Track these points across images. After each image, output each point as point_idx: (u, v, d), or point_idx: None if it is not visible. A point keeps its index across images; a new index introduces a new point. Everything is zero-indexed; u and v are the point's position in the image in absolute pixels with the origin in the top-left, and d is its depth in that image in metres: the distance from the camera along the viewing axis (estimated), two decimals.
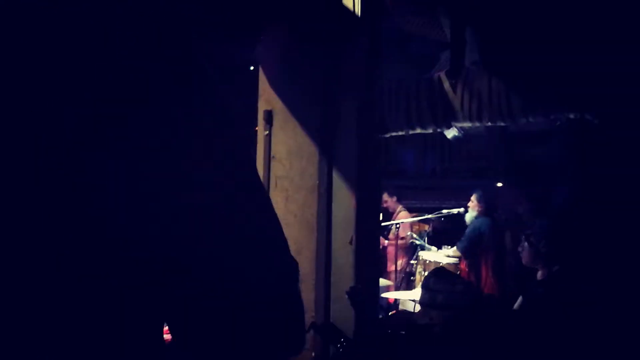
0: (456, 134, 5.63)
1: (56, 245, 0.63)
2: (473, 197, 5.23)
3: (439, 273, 2.50)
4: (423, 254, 5.42)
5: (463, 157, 7.57)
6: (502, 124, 3.44)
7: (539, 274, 3.43)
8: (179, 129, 0.69)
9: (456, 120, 3.44)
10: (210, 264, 0.67)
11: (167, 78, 0.70)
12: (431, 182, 7.63)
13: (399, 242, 5.73)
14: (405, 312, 4.31)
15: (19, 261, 0.63)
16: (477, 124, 3.38)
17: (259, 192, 0.79)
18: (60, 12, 0.66)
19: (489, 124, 3.36)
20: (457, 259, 5.26)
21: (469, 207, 5.30)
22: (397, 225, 5.64)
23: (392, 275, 5.90)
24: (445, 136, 5.97)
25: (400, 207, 6.15)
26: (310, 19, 3.24)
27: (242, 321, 0.72)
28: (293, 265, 0.78)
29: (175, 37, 0.75)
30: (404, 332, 2.45)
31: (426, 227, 6.37)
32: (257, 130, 3.44)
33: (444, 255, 5.34)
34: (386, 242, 5.94)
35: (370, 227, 3.59)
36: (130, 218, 0.65)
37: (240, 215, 0.73)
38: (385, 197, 6.11)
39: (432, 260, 5.25)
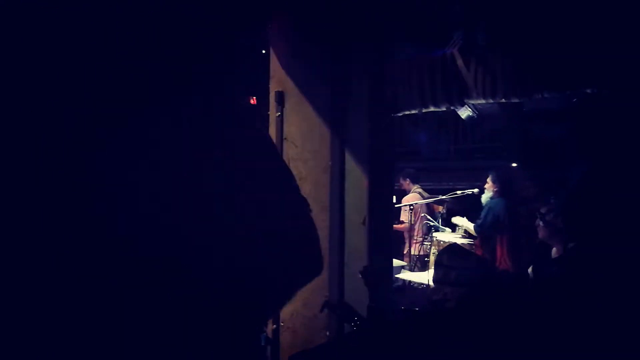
0: (470, 114, 5.56)
1: (56, 245, 0.63)
2: (489, 179, 5.19)
3: (452, 249, 2.49)
4: (437, 235, 5.40)
5: (477, 138, 7.48)
6: (517, 100, 3.39)
7: (554, 252, 3.41)
8: (179, 129, 0.68)
9: (470, 97, 3.40)
10: (210, 264, 0.67)
11: (167, 78, 0.69)
12: (445, 163, 7.57)
13: (397, 225, 5.74)
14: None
15: (19, 261, 0.63)
16: (491, 101, 3.34)
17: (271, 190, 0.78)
18: (60, 12, 0.66)
19: (503, 100, 3.31)
20: (472, 240, 5.24)
21: (485, 188, 5.26)
22: (411, 207, 5.63)
23: (406, 258, 5.91)
24: (459, 117, 5.91)
25: (415, 187, 6.11)
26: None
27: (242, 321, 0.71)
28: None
29: (176, 36, 0.74)
30: (417, 309, 2.46)
31: (440, 208, 6.34)
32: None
33: (460, 235, 5.33)
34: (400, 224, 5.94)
35: (383, 208, 3.59)
36: (130, 218, 0.64)
37: (243, 213, 0.72)
38: (400, 180, 6.09)
39: (446, 241, 5.23)
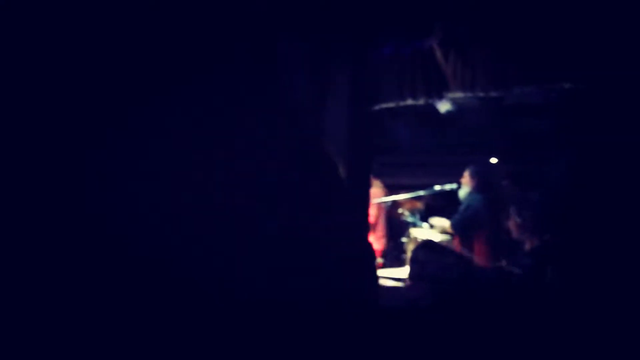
0: (449, 108, 5.54)
1: (56, 245, 0.62)
2: (466, 173, 5.16)
3: (428, 245, 2.44)
4: (414, 232, 5.37)
5: (457, 132, 7.48)
6: (495, 94, 3.36)
7: (527, 245, 3.42)
8: (179, 129, 0.68)
9: (449, 91, 3.36)
10: (211, 264, 0.67)
11: (167, 78, 0.69)
12: (425, 158, 7.57)
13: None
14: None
15: (19, 260, 0.62)
16: (470, 95, 3.31)
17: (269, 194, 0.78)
18: (60, 12, 0.64)
19: (482, 94, 3.29)
20: (450, 236, 5.22)
21: (462, 183, 5.24)
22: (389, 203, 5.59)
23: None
24: (439, 112, 5.89)
25: (376, 182, 5.98)
26: None
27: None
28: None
29: (177, 37, 0.73)
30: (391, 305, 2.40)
31: (419, 205, 6.32)
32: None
33: (437, 233, 5.30)
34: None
35: (360, 200, 3.52)
36: (131, 218, 0.63)
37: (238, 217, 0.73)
38: None
39: (424, 238, 5.20)
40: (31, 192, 0.65)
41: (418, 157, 7.53)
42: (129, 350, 0.71)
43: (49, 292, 0.67)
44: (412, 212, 5.75)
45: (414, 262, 2.32)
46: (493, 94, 3.30)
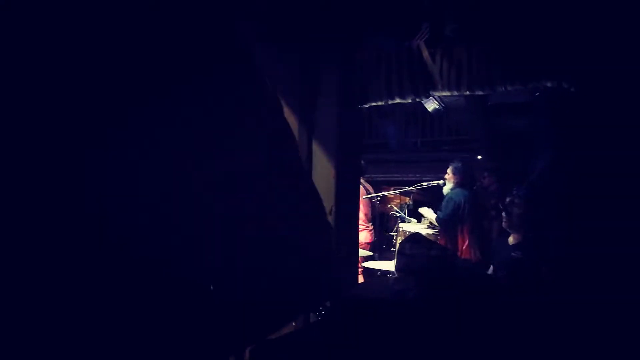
0: (437, 107, 5.64)
1: (56, 245, 0.61)
2: (449, 170, 5.28)
3: (414, 238, 2.52)
4: (403, 226, 5.48)
5: (444, 130, 7.61)
6: (481, 92, 3.44)
7: (511, 239, 3.51)
8: (178, 129, 0.67)
9: (435, 89, 3.44)
10: (209, 264, 0.66)
11: (166, 78, 0.68)
12: (413, 155, 7.68)
13: None
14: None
15: (19, 260, 0.61)
16: (456, 93, 3.38)
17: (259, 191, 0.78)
18: (60, 12, 0.64)
19: (468, 92, 3.37)
20: (437, 230, 5.33)
21: (445, 179, 5.36)
22: (379, 198, 5.68)
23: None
24: (426, 110, 5.98)
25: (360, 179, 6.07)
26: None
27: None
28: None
29: (177, 37, 0.73)
30: (380, 297, 2.47)
31: (407, 200, 6.43)
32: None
33: (425, 227, 5.41)
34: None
35: (349, 198, 3.60)
36: (130, 217, 0.63)
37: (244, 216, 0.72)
38: None
39: (412, 232, 5.30)
40: (31, 192, 0.66)
41: (406, 154, 7.64)
42: (128, 348, 0.74)
43: (49, 291, 0.69)
44: (401, 207, 5.85)
45: (400, 255, 2.40)
46: (479, 92, 3.38)
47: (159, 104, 0.71)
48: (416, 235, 2.59)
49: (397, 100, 3.51)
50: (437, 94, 3.50)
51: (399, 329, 2.21)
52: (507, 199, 3.64)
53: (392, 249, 5.74)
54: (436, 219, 5.22)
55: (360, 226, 4.69)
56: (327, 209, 3.36)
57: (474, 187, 5.46)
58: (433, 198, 5.84)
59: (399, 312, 2.29)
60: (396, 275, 2.52)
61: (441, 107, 5.01)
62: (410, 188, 5.65)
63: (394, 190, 6.04)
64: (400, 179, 6.58)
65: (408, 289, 2.33)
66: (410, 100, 3.50)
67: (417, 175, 6.56)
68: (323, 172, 3.42)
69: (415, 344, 2.18)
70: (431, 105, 5.18)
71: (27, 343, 0.67)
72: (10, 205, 0.66)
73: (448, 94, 3.45)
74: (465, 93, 3.37)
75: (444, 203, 5.19)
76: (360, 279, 5.06)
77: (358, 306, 2.32)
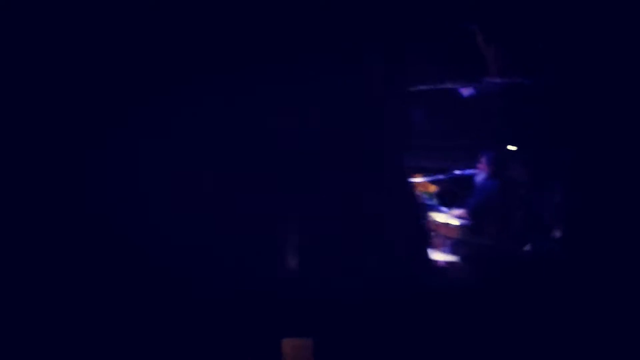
0: (472, 93, 5.53)
1: (56, 245, 0.61)
2: (482, 159, 5.25)
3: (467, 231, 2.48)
4: (433, 215, 5.43)
5: (475, 118, 7.44)
6: (529, 81, 3.37)
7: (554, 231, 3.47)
8: (178, 129, 0.66)
9: (487, 74, 3.37)
10: (208, 263, 0.65)
11: (166, 78, 0.67)
12: (442, 142, 7.54)
13: None
14: None
15: (19, 260, 0.60)
16: (508, 79, 3.32)
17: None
18: (61, 13, 0.63)
19: (519, 79, 3.30)
20: (467, 221, 5.28)
21: (478, 169, 5.31)
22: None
23: None
24: (455, 95, 5.85)
25: None
26: None
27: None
28: None
29: (177, 38, 0.71)
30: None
31: (433, 188, 6.35)
32: None
33: (453, 217, 5.36)
34: None
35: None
36: (130, 217, 0.63)
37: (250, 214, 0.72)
38: None
39: (441, 222, 5.27)
40: (32, 192, 0.65)
41: (435, 141, 7.51)
42: (129, 347, 0.71)
43: (50, 289, 0.67)
44: (430, 196, 5.80)
45: (456, 246, 2.36)
46: (528, 81, 3.31)
47: (164, 102, 0.68)
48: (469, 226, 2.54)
49: (448, 85, 3.45)
50: (488, 79, 3.43)
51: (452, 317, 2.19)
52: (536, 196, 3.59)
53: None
54: (466, 209, 5.18)
55: None
56: None
57: (504, 179, 5.39)
58: (462, 188, 5.77)
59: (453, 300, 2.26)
60: (449, 265, 2.48)
61: (475, 94, 4.92)
62: (441, 176, 5.59)
63: (422, 177, 5.97)
64: (430, 165, 6.49)
65: (463, 277, 2.30)
66: (456, 86, 3.44)
67: (447, 162, 6.47)
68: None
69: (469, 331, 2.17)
70: (467, 91, 5.08)
71: (27, 340, 0.65)
72: (11, 205, 0.64)
73: (499, 80, 3.38)
74: (516, 80, 3.31)
75: (475, 194, 5.14)
76: None
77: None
